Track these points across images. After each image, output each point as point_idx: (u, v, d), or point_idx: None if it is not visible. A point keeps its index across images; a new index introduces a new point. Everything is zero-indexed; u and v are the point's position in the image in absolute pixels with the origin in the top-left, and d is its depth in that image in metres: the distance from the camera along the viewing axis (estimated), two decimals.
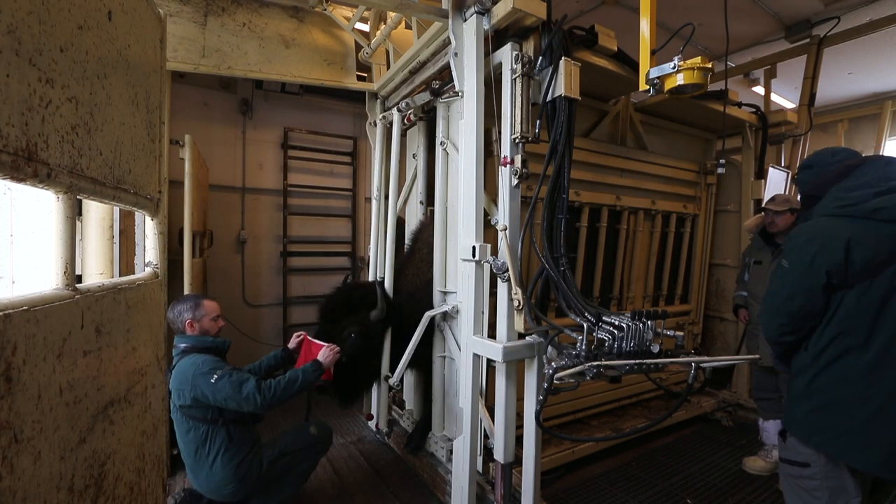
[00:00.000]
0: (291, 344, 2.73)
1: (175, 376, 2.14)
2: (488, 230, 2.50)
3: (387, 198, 3.46)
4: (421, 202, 3.50)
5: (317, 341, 2.65)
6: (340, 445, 3.56)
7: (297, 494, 2.57)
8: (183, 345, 2.22)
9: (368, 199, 5.47)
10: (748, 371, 4.14)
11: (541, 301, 2.68)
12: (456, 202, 2.81)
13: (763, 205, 3.19)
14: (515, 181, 2.31)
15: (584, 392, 3.43)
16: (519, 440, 2.40)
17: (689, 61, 2.08)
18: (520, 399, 2.40)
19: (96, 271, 2.61)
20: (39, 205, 2.16)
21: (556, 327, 2.17)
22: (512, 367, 2.34)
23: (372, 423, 3.54)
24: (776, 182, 4.34)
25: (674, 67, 2.11)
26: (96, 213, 2.61)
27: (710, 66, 2.08)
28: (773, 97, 5.12)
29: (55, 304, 1.12)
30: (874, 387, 1.50)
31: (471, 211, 2.41)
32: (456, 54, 2.49)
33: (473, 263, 2.40)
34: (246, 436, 2.29)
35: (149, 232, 2.16)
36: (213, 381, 2.03)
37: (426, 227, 3.34)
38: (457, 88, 2.51)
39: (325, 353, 2.52)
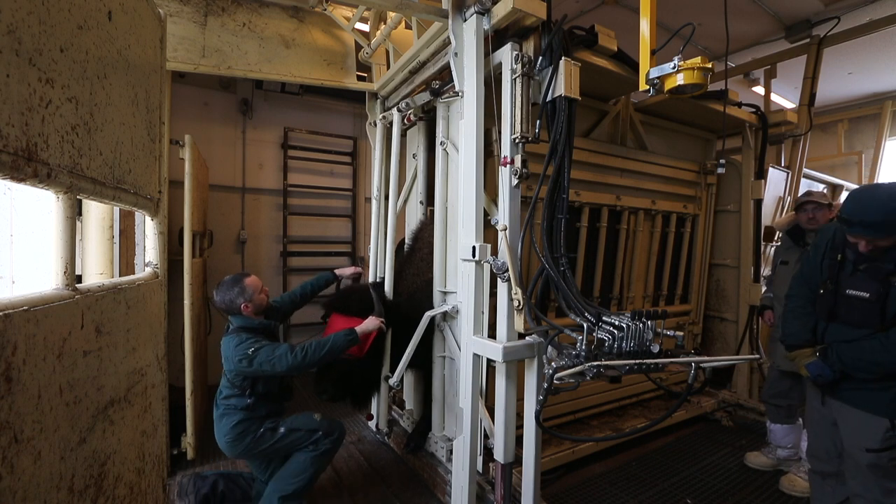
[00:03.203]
0: (345, 272, 3.18)
1: (224, 345, 2.43)
2: (488, 230, 2.50)
3: (387, 198, 3.46)
4: (421, 202, 3.50)
5: (355, 318, 2.81)
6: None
7: (298, 494, 2.54)
8: (236, 323, 2.49)
9: (368, 199, 5.47)
10: (748, 371, 4.14)
11: (541, 301, 2.68)
12: (456, 202, 2.81)
13: (806, 199, 3.01)
14: (515, 181, 2.31)
15: (584, 392, 3.43)
16: (519, 440, 2.40)
17: (689, 61, 2.08)
18: (520, 399, 2.40)
19: (96, 271, 2.61)
20: (39, 205, 2.16)
21: (556, 327, 2.17)
22: (512, 367, 2.34)
23: (372, 423, 3.54)
24: (776, 182, 4.35)
25: (674, 67, 2.11)
26: (96, 213, 2.61)
27: (710, 66, 2.08)
28: (773, 97, 5.13)
29: (55, 304, 1.12)
30: None
31: (471, 211, 2.41)
32: (456, 54, 2.49)
33: (473, 263, 2.40)
34: (262, 406, 2.48)
35: (149, 232, 2.16)
36: (250, 352, 2.31)
37: (426, 226, 3.34)
38: (457, 88, 2.51)
39: (367, 321, 2.68)
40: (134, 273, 2.73)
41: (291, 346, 2.37)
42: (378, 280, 3.37)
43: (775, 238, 4.19)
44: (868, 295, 1.92)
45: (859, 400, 1.97)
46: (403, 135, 3.50)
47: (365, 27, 4.06)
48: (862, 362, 1.91)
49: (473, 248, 2.36)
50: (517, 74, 2.27)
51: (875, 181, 5.86)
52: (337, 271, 3.25)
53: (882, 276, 1.89)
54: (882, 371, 1.88)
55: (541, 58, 2.34)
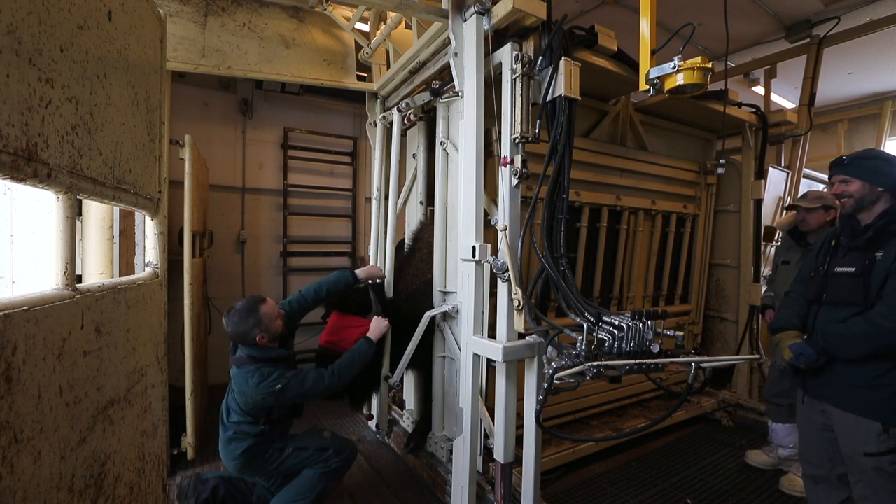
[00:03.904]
0: (373, 275, 2.98)
1: (237, 376, 2.30)
2: (488, 230, 2.50)
3: (387, 198, 3.46)
4: (421, 202, 3.50)
5: (353, 317, 2.80)
6: None
7: None
8: (249, 352, 2.31)
9: (368, 199, 5.47)
10: (748, 371, 4.14)
11: (541, 301, 2.68)
12: (456, 202, 2.81)
13: (794, 202, 2.98)
14: (515, 181, 2.31)
15: (584, 392, 3.43)
16: (519, 440, 2.40)
17: (689, 61, 2.08)
18: (520, 399, 2.40)
19: (96, 271, 2.61)
20: (39, 205, 2.16)
21: (556, 327, 2.17)
22: (512, 367, 2.34)
23: (372, 423, 3.54)
24: (776, 182, 4.35)
25: (674, 67, 2.11)
26: (96, 213, 2.61)
27: (710, 66, 2.08)
28: (773, 97, 5.13)
29: (55, 304, 1.12)
30: None
31: (471, 211, 2.41)
32: (456, 54, 2.49)
33: (473, 263, 2.40)
34: (274, 430, 2.43)
35: (149, 232, 2.16)
36: (277, 389, 2.21)
37: (426, 227, 3.34)
38: (457, 88, 2.51)
39: (375, 326, 2.65)
40: (134, 273, 2.73)
41: (320, 372, 2.35)
42: (371, 283, 3.36)
43: (775, 238, 4.19)
44: (854, 269, 1.93)
45: (848, 403, 1.95)
46: (403, 135, 3.50)
47: (365, 27, 4.06)
48: (844, 339, 1.90)
49: (473, 248, 2.36)
50: (517, 74, 2.27)
51: None
52: (359, 273, 2.87)
53: (864, 245, 1.92)
54: (864, 350, 1.85)
55: (541, 58, 2.34)
